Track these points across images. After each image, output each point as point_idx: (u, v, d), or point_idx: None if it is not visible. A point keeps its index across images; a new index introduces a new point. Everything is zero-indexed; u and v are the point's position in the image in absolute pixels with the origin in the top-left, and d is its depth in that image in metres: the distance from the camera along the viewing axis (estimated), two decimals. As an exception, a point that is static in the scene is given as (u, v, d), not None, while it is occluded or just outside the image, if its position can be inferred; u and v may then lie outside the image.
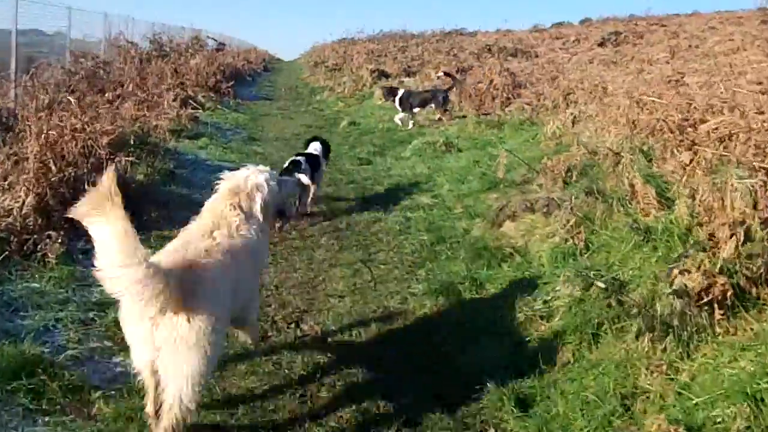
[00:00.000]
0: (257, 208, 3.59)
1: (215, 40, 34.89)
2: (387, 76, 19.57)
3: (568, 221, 5.23)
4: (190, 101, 15.09)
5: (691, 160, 5.52)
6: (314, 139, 8.09)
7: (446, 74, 14.71)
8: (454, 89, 13.99)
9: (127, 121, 9.67)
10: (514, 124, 11.05)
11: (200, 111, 14.35)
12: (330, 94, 19.95)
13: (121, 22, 25.58)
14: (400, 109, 13.29)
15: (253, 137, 12.59)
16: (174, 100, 14.14)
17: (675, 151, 5.75)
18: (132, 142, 7.33)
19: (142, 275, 2.62)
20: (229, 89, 18.79)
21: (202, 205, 3.62)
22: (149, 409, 3.18)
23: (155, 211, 6.51)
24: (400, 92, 13.56)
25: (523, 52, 23.07)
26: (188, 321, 2.84)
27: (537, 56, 22.08)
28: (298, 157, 7.39)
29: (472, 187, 7.60)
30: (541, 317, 4.44)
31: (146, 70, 17.18)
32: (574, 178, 6.36)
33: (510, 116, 11.79)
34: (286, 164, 7.30)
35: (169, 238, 6.05)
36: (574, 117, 9.72)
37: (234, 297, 3.21)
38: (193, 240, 3.26)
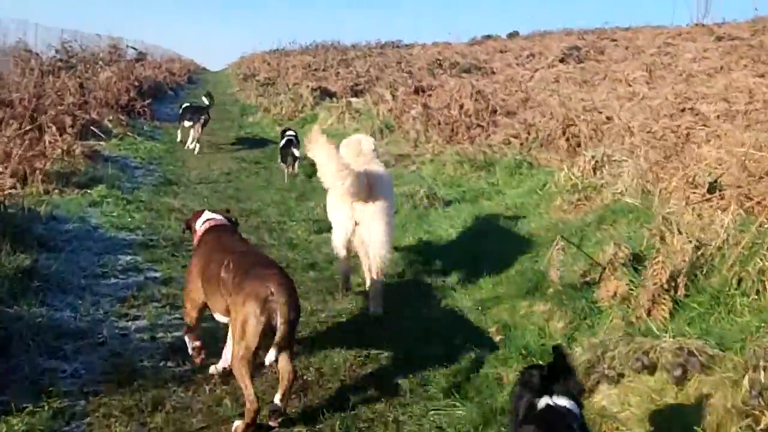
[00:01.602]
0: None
1: (135, 49, 31.66)
2: (331, 95, 16.95)
3: (753, 409, 2.80)
4: (92, 128, 12.12)
5: None
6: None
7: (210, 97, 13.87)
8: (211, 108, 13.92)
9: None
10: (508, 166, 8.71)
11: (103, 143, 11.37)
12: (265, 114, 17.15)
13: (20, 27, 22.17)
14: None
15: (169, 179, 9.69)
16: (71, 126, 11.19)
17: None
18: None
19: (353, 177, 4.80)
20: (146, 108, 15.90)
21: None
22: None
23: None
24: (185, 104, 13.73)
25: (478, 67, 21.06)
26: (374, 204, 4.96)
27: (494, 73, 20.15)
28: (291, 136, 10.16)
29: (495, 281, 5.12)
30: None
31: (44, 87, 14.05)
32: (680, 291, 3.98)
33: (498, 153, 9.46)
34: (283, 141, 10.20)
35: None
36: (596, 162, 7.47)
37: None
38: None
